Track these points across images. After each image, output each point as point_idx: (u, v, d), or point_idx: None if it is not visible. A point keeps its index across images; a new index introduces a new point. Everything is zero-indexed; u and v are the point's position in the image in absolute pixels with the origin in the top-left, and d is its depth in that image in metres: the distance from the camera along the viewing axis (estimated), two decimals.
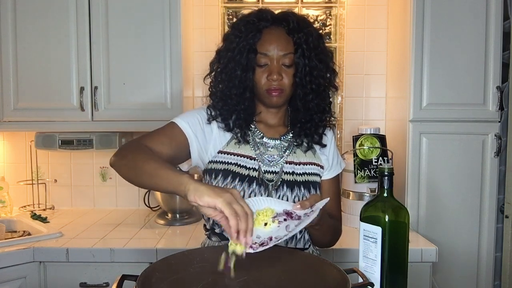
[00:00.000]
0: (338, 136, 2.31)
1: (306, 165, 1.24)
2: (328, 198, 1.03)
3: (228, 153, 1.20)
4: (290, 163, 1.23)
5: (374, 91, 2.30)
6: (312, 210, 0.99)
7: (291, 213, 1.02)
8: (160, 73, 1.97)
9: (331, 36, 2.28)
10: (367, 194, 1.93)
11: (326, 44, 1.27)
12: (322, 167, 1.28)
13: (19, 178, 2.29)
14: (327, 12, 2.29)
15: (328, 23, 2.28)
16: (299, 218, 1.00)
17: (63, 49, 1.96)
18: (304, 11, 2.27)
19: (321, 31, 2.27)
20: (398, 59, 2.11)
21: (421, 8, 1.88)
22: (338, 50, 2.27)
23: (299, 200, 1.13)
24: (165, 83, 1.97)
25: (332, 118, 1.30)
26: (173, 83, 1.97)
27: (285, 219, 1.00)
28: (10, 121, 2.00)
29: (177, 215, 2.05)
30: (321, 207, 1.00)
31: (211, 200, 0.86)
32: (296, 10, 2.24)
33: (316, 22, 2.27)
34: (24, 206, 2.27)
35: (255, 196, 1.15)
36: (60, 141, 2.07)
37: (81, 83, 1.97)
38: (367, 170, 1.92)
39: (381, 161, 1.94)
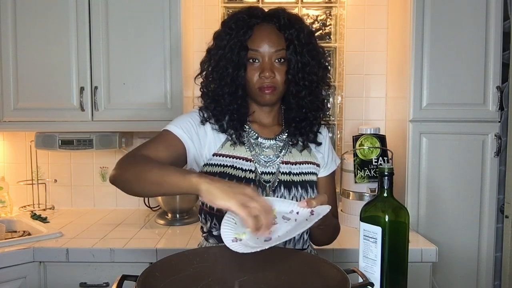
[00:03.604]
0: (338, 136, 2.31)
1: (303, 164, 1.23)
2: (330, 206, 0.99)
3: (223, 156, 1.18)
4: (287, 163, 1.21)
5: (374, 91, 2.30)
6: (312, 214, 0.98)
7: (288, 218, 0.98)
8: (160, 73, 1.97)
9: (331, 36, 2.28)
10: (367, 194, 1.93)
11: (326, 44, 1.26)
12: (318, 165, 1.27)
13: (19, 178, 2.29)
14: (327, 12, 2.28)
15: (328, 23, 2.28)
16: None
17: (63, 49, 1.96)
18: (304, 11, 2.27)
19: (321, 31, 2.31)
20: (398, 59, 2.11)
21: (421, 8, 1.88)
22: (338, 50, 2.27)
23: (297, 201, 1.09)
24: (165, 83, 1.97)
25: (328, 118, 1.28)
26: (173, 83, 1.97)
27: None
28: (10, 121, 2.01)
29: (177, 215, 2.05)
30: (323, 214, 0.96)
31: (224, 204, 0.86)
32: (296, 10, 2.24)
33: (316, 22, 2.27)
34: (24, 206, 2.27)
35: None
36: (60, 141, 2.07)
37: (81, 83, 1.98)
38: (367, 170, 1.92)
39: (381, 161, 1.93)
